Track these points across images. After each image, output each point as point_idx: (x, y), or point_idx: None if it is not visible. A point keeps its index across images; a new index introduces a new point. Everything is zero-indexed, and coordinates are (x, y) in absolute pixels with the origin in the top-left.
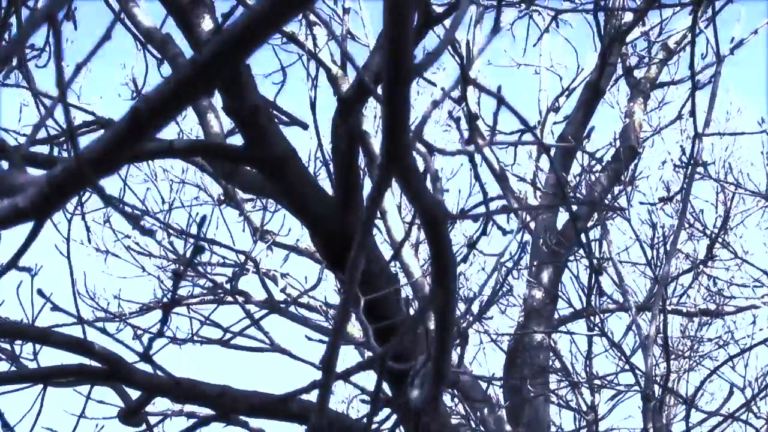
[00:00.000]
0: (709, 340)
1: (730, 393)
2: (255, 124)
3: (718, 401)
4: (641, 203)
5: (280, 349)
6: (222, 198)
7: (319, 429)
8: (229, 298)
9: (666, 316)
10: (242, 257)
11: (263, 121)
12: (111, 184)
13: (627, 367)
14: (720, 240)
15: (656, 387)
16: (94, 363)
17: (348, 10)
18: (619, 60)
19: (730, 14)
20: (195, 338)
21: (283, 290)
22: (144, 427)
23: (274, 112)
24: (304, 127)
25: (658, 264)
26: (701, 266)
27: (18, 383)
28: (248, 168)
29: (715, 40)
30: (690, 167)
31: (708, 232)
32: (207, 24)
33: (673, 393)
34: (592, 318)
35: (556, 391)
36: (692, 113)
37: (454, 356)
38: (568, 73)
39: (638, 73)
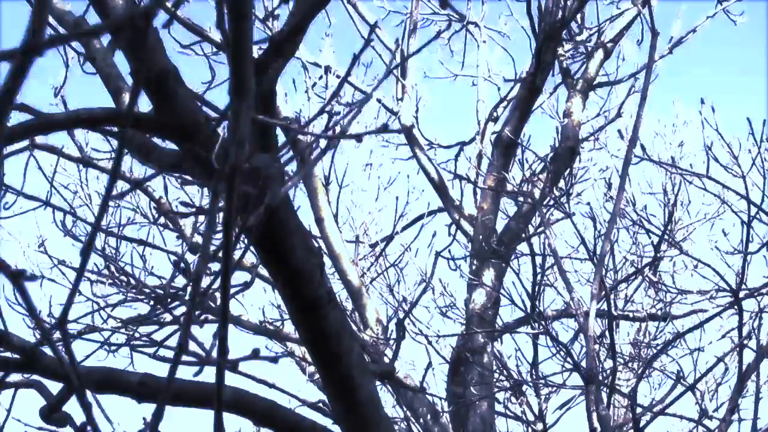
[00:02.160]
0: (656, 346)
1: (676, 382)
2: (163, 88)
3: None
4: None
5: (213, 361)
6: (156, 216)
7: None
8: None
9: (609, 295)
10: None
11: (172, 84)
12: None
13: (574, 367)
14: (666, 237)
15: (602, 388)
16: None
17: (277, 17)
18: (557, 62)
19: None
20: (128, 344)
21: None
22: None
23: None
24: None
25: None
26: (648, 269)
27: None
28: (164, 145)
29: (650, 15)
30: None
31: (652, 228)
32: None
33: (619, 392)
34: (537, 319)
35: (501, 397)
36: None
37: (389, 351)
38: (506, 83)
39: (576, 73)
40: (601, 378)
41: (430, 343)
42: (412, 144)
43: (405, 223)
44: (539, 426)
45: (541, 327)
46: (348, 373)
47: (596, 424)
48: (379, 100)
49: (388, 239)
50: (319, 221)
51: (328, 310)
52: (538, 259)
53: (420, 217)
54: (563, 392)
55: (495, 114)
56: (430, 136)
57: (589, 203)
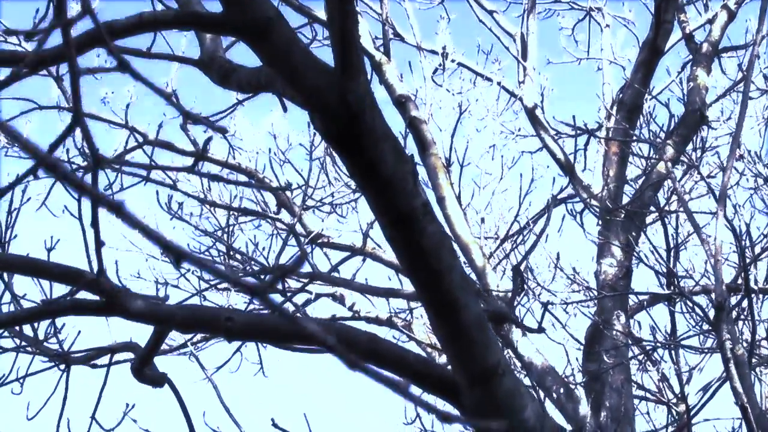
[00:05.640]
0: None
1: None
2: None
3: None
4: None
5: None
6: (277, 211)
7: None
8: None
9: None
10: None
11: None
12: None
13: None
14: None
15: (742, 349)
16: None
17: None
18: (679, 27)
19: None
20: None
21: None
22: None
23: None
24: None
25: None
26: None
27: (11, 325)
28: (243, 66)
29: None
30: None
31: None
32: None
33: (760, 357)
34: (672, 283)
35: (637, 373)
36: None
37: (508, 294)
38: (631, 65)
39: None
40: (742, 345)
41: (544, 305)
42: (536, 125)
43: (530, 201)
44: (681, 407)
45: (676, 290)
46: (451, 293)
47: (729, 354)
48: (499, 83)
49: (519, 231)
50: (440, 200)
51: (424, 224)
52: (671, 227)
53: (548, 206)
54: (706, 374)
55: (621, 96)
56: (554, 122)
57: (717, 154)
